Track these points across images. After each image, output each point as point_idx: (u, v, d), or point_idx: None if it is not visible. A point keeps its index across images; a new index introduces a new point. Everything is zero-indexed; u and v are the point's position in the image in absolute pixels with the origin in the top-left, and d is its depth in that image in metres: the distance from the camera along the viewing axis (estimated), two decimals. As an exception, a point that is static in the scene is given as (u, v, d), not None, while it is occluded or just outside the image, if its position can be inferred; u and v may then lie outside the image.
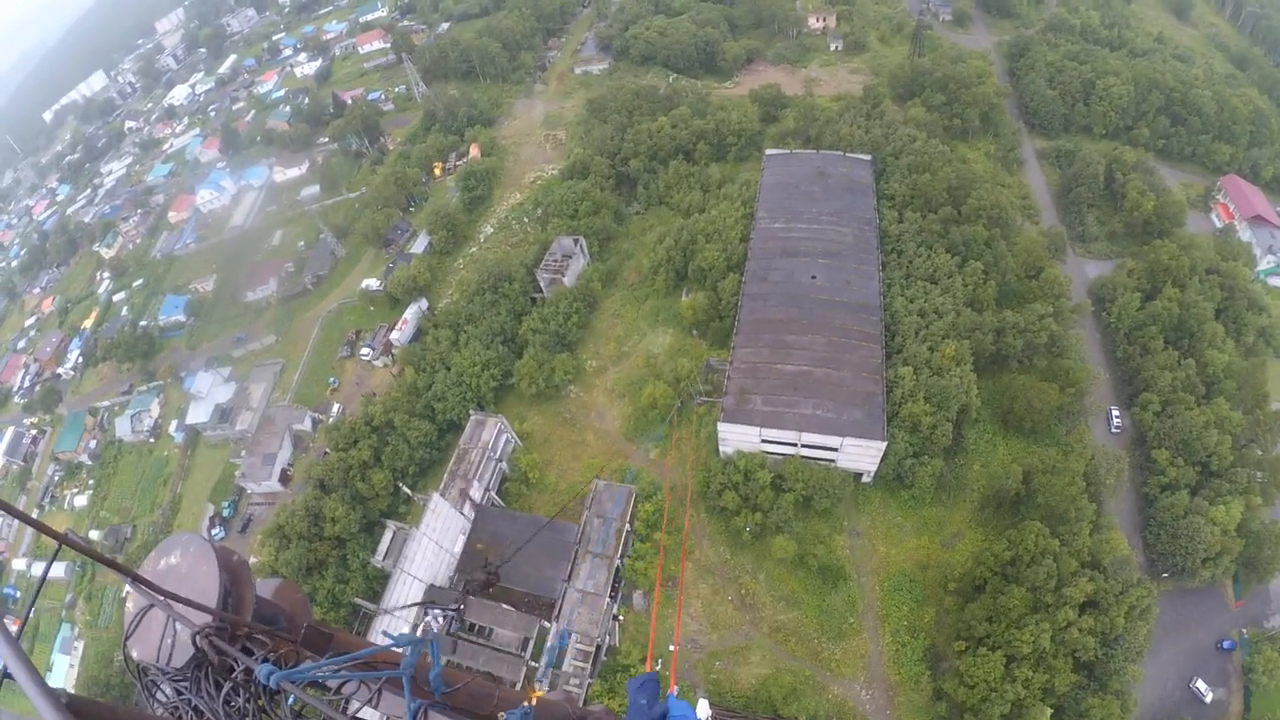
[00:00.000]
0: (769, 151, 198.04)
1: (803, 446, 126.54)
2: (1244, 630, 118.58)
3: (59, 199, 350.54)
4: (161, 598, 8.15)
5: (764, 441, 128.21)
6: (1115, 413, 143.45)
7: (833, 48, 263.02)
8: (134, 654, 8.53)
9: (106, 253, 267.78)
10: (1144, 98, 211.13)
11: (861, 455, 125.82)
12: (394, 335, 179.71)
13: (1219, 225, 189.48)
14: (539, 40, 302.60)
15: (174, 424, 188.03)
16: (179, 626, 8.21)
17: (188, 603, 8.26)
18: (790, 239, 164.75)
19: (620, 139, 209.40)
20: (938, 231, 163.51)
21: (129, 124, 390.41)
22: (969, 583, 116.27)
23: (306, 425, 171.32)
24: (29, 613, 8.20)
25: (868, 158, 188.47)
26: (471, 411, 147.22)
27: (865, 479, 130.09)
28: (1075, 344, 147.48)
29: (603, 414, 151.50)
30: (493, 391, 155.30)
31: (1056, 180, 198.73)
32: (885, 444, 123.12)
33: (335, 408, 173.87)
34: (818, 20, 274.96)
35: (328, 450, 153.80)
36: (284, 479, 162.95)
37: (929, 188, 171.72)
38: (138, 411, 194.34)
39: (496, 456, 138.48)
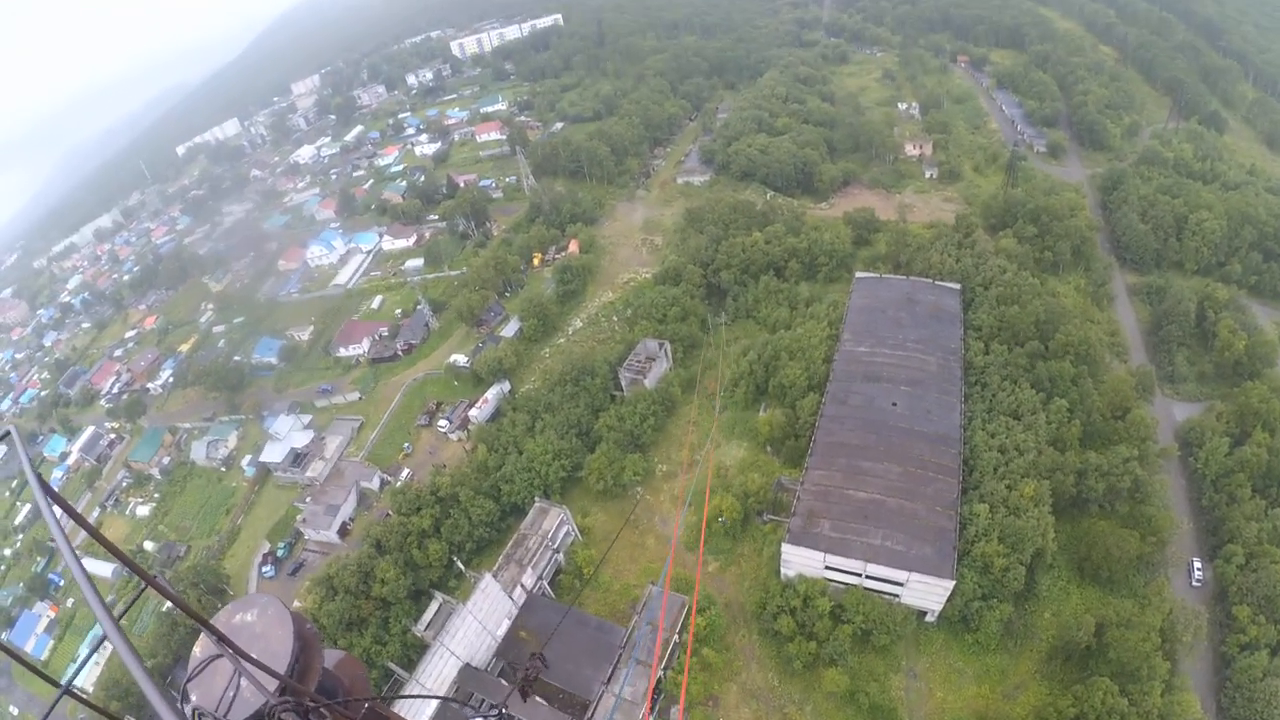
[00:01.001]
0: (859, 274, 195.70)
1: (867, 578, 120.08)
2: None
3: (179, 228, 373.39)
4: (236, 655, 8.25)
5: (828, 568, 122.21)
6: (1197, 564, 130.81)
7: (928, 175, 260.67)
8: (193, 697, 8.60)
9: (215, 286, 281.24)
10: (1236, 233, 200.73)
11: (927, 593, 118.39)
12: (473, 412, 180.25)
13: None
14: (645, 148, 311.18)
15: (247, 458, 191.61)
16: (244, 683, 8.31)
17: (259, 665, 8.39)
18: (874, 363, 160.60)
19: (714, 250, 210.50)
20: (1024, 366, 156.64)
21: (255, 172, 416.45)
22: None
23: (374, 484, 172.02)
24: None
25: (957, 286, 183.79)
26: (537, 498, 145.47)
27: (929, 618, 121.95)
28: (1160, 490, 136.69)
29: (666, 520, 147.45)
30: (560, 481, 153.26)
31: (1147, 317, 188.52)
32: (953, 583, 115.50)
33: (405, 472, 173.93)
34: (914, 147, 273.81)
35: (390, 512, 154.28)
36: (343, 532, 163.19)
37: (1017, 320, 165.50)
38: (215, 439, 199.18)
39: (555, 547, 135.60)
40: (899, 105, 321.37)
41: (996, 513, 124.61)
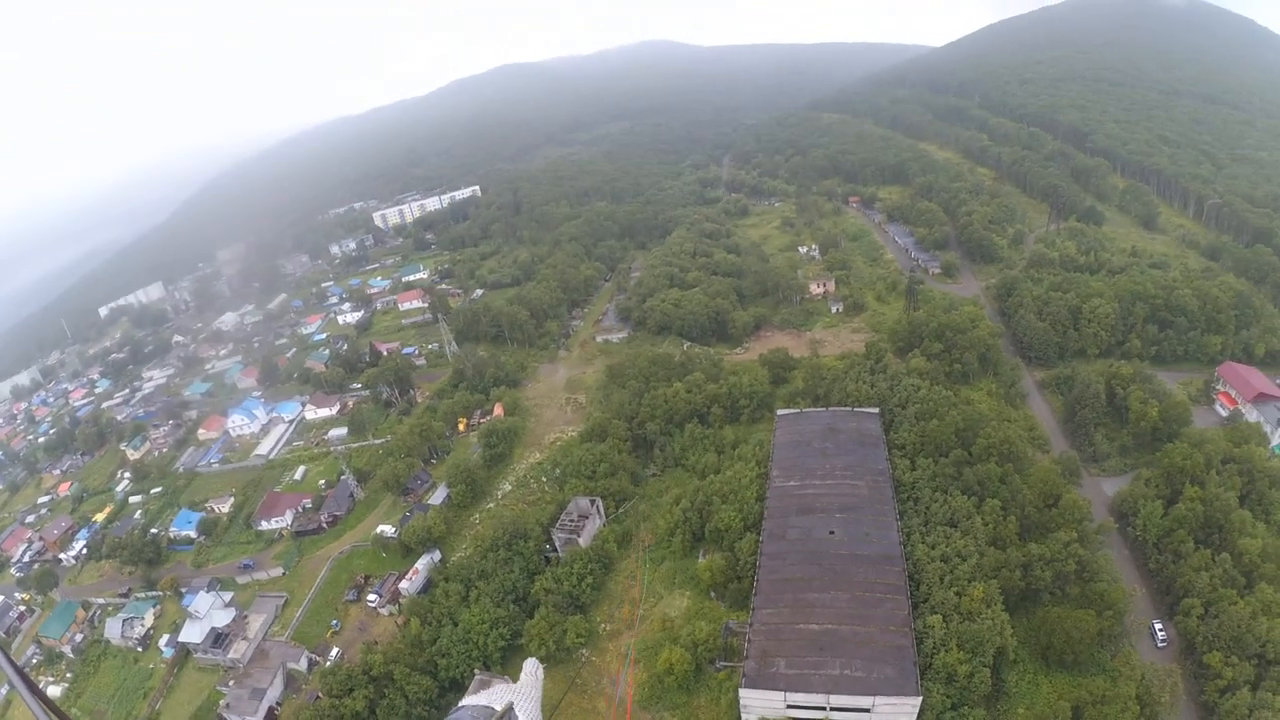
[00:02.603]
0: (780, 411, 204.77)
1: (832, 710, 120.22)
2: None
3: (97, 391, 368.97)
4: None
5: (789, 707, 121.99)
6: (1159, 626, 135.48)
7: (834, 310, 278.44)
8: None
9: (132, 454, 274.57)
10: (1129, 311, 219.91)
11: (896, 714, 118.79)
12: (403, 584, 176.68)
13: (1224, 414, 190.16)
14: (564, 309, 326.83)
15: (165, 638, 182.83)
16: None
17: None
18: (806, 495, 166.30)
19: (638, 403, 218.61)
20: (951, 474, 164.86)
21: (177, 337, 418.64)
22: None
23: (302, 665, 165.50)
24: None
25: (875, 410, 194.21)
26: (476, 670, 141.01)
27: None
28: (1105, 565, 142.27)
29: (616, 680, 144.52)
30: (500, 651, 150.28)
31: (1060, 406, 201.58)
32: (920, 699, 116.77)
33: (334, 651, 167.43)
34: (818, 286, 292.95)
35: (320, 694, 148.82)
36: (270, 718, 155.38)
37: (938, 433, 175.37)
38: (131, 617, 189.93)
39: None
40: (800, 249, 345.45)
41: (951, 621, 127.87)
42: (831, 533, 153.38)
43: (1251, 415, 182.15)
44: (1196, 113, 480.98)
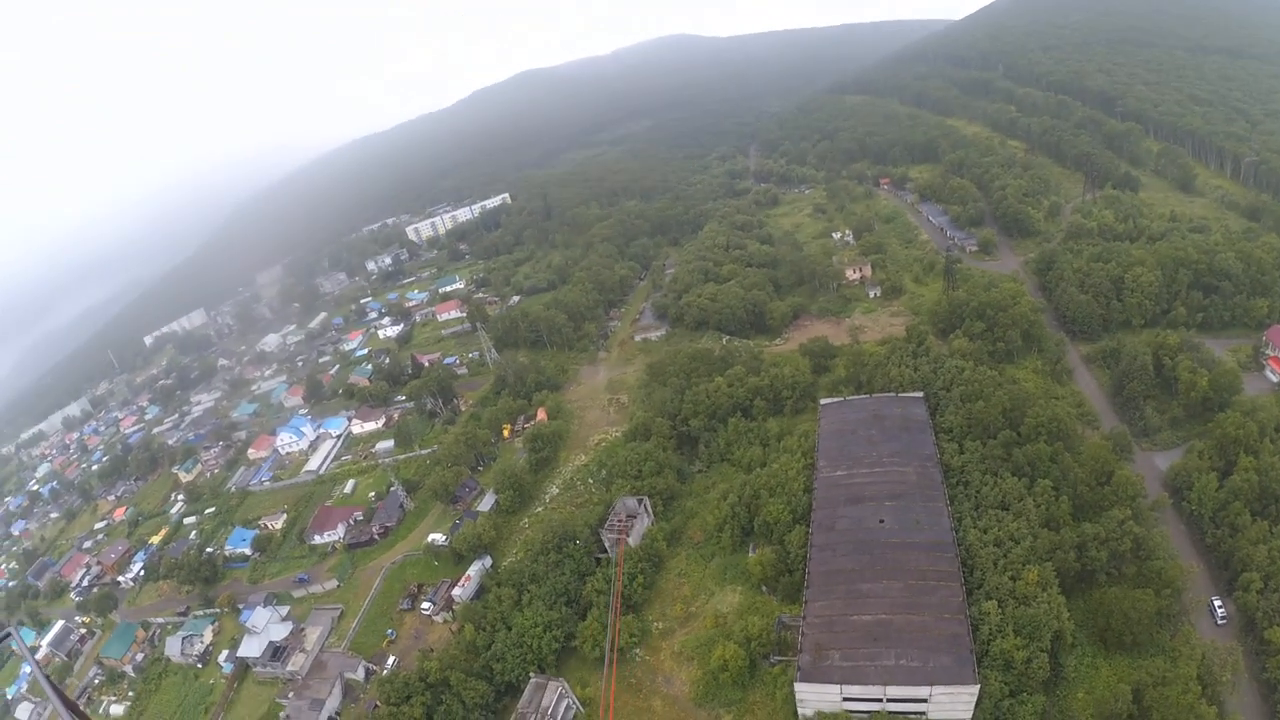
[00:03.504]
0: (823, 401, 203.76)
1: (889, 701, 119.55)
2: None
3: (147, 418, 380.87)
4: None
5: (846, 700, 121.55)
6: (1218, 603, 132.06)
7: (871, 295, 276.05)
8: None
9: (185, 476, 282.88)
10: (1173, 278, 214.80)
11: (954, 703, 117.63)
12: (456, 591, 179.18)
13: (1276, 379, 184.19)
14: (601, 311, 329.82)
15: (225, 654, 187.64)
16: None
17: None
18: (854, 485, 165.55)
19: (680, 400, 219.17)
20: (1000, 456, 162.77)
21: (222, 361, 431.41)
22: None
23: (359, 675, 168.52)
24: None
25: (920, 395, 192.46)
26: (531, 674, 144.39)
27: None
28: (1162, 542, 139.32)
29: (670, 679, 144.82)
30: (554, 654, 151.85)
31: (1107, 381, 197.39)
32: (978, 687, 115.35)
33: (391, 660, 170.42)
34: (854, 272, 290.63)
35: (378, 703, 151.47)
36: None
37: (984, 414, 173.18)
38: (190, 635, 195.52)
39: None
40: (833, 235, 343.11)
41: (1006, 606, 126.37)
42: (881, 521, 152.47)
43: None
44: (1225, 69, 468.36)
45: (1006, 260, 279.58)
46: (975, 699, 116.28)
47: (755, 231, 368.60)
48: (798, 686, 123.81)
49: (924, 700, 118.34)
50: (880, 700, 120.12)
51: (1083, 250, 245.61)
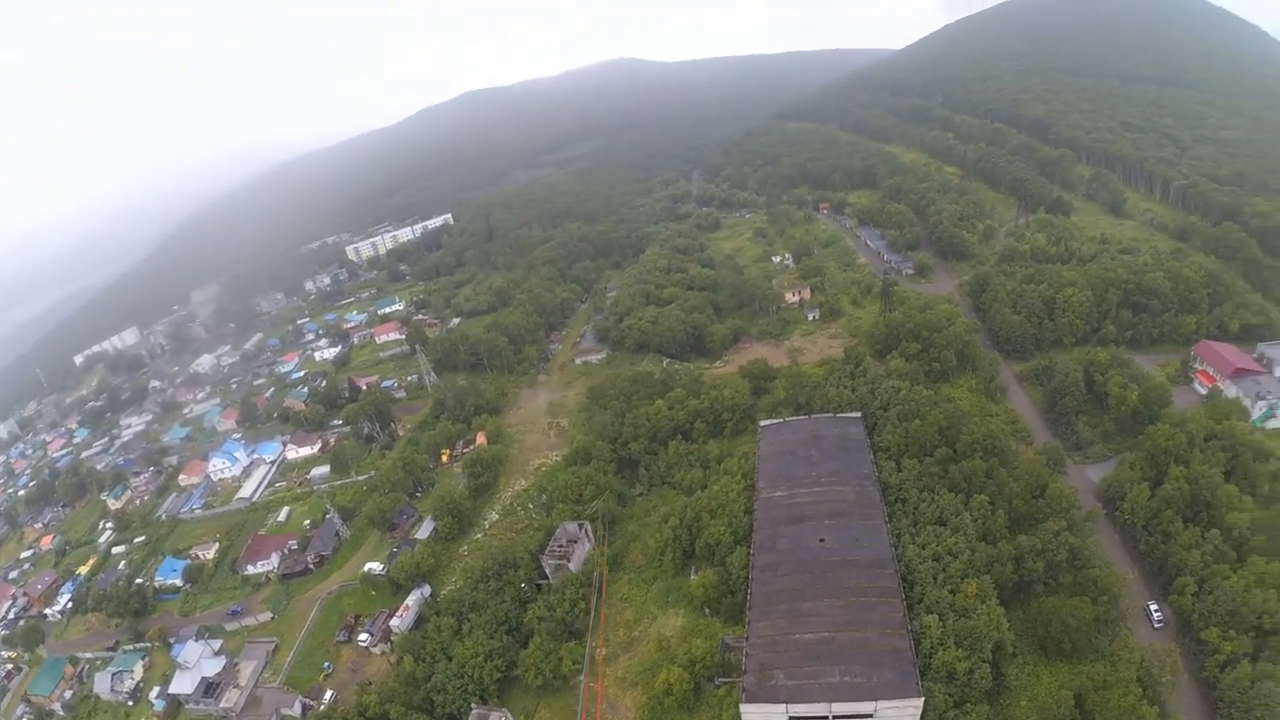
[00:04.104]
0: (763, 422, 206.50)
1: (835, 718, 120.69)
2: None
3: (76, 441, 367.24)
4: None
5: (792, 718, 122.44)
6: (1154, 607, 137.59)
7: (810, 318, 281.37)
8: None
9: (113, 503, 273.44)
10: (1103, 298, 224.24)
11: (899, 716, 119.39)
12: (394, 621, 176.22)
13: (1204, 391, 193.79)
14: (542, 334, 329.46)
15: (156, 690, 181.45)
16: None
17: None
18: (794, 505, 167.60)
19: (620, 424, 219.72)
20: (937, 473, 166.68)
21: (154, 383, 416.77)
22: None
23: (296, 710, 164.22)
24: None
25: (858, 415, 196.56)
26: (474, 705, 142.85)
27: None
28: (1096, 551, 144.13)
29: (615, 705, 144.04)
30: (496, 684, 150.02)
31: (1040, 398, 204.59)
32: (922, 700, 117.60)
33: (328, 695, 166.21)
34: (794, 295, 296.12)
35: None
36: None
37: (921, 433, 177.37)
38: (120, 670, 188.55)
39: None
40: (773, 258, 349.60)
41: (947, 619, 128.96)
42: (822, 540, 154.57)
43: (1231, 391, 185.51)
44: (1156, 97, 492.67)
45: (942, 283, 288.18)
46: (920, 711, 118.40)
47: (696, 255, 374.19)
48: (743, 708, 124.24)
49: (870, 715, 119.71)
50: (826, 717, 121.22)
51: (1016, 272, 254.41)
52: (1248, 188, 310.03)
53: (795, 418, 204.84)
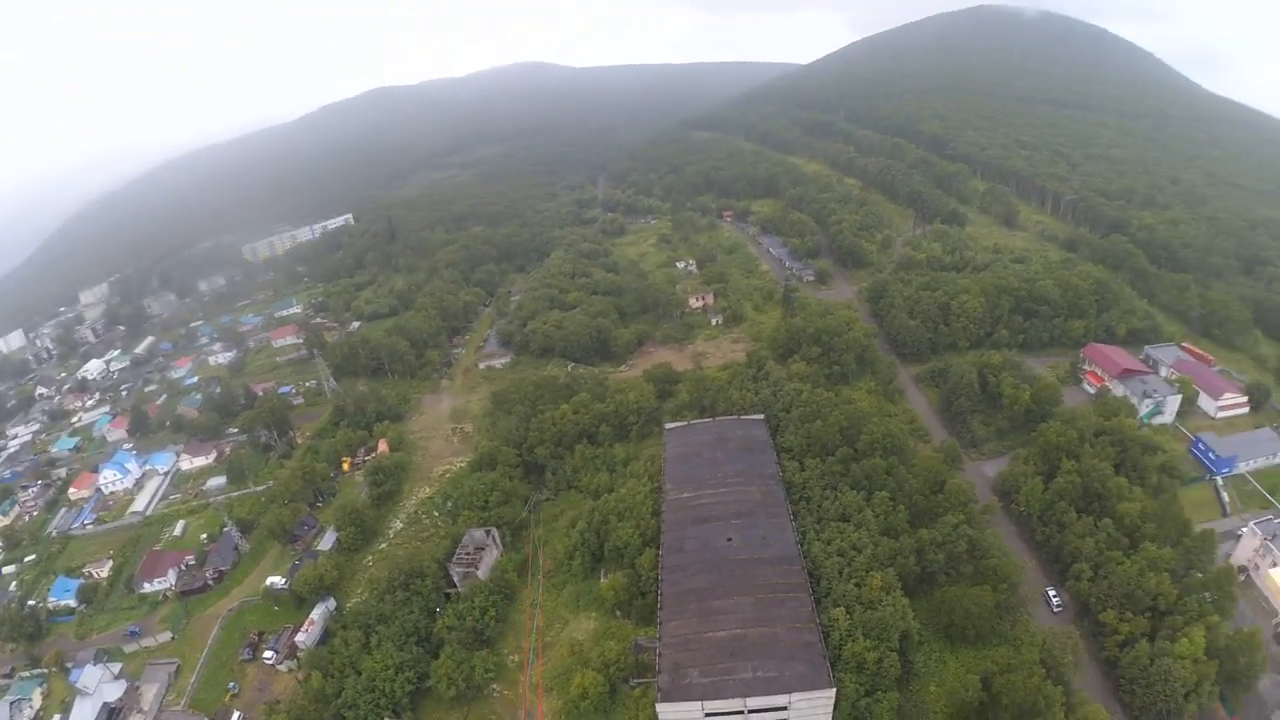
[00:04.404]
0: (668, 425, 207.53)
1: (750, 712, 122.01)
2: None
3: None
4: None
5: (708, 715, 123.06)
6: (1052, 593, 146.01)
7: (714, 322, 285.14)
8: None
9: (1, 520, 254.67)
10: (995, 304, 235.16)
11: (813, 708, 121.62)
12: (299, 637, 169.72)
13: (1093, 391, 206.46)
14: (444, 338, 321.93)
15: (56, 718, 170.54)
16: None
17: None
18: (700, 506, 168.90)
19: (525, 429, 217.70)
20: (839, 472, 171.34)
21: (40, 390, 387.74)
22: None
23: None
24: None
25: (761, 417, 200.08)
26: (386, 719, 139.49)
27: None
28: (995, 542, 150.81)
29: (531, 712, 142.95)
30: (409, 696, 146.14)
31: (937, 398, 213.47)
32: (834, 690, 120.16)
33: (235, 716, 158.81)
34: (697, 300, 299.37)
35: None
36: None
37: (823, 433, 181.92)
38: (17, 699, 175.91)
39: None
40: (677, 264, 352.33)
41: (854, 612, 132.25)
42: (729, 540, 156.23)
43: (1118, 390, 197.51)
44: (1052, 117, 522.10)
45: (842, 289, 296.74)
46: (833, 701, 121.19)
47: (601, 260, 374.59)
48: (659, 707, 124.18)
49: (784, 708, 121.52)
50: (742, 712, 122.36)
51: (912, 280, 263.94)
52: (1135, 202, 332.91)
53: (700, 420, 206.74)
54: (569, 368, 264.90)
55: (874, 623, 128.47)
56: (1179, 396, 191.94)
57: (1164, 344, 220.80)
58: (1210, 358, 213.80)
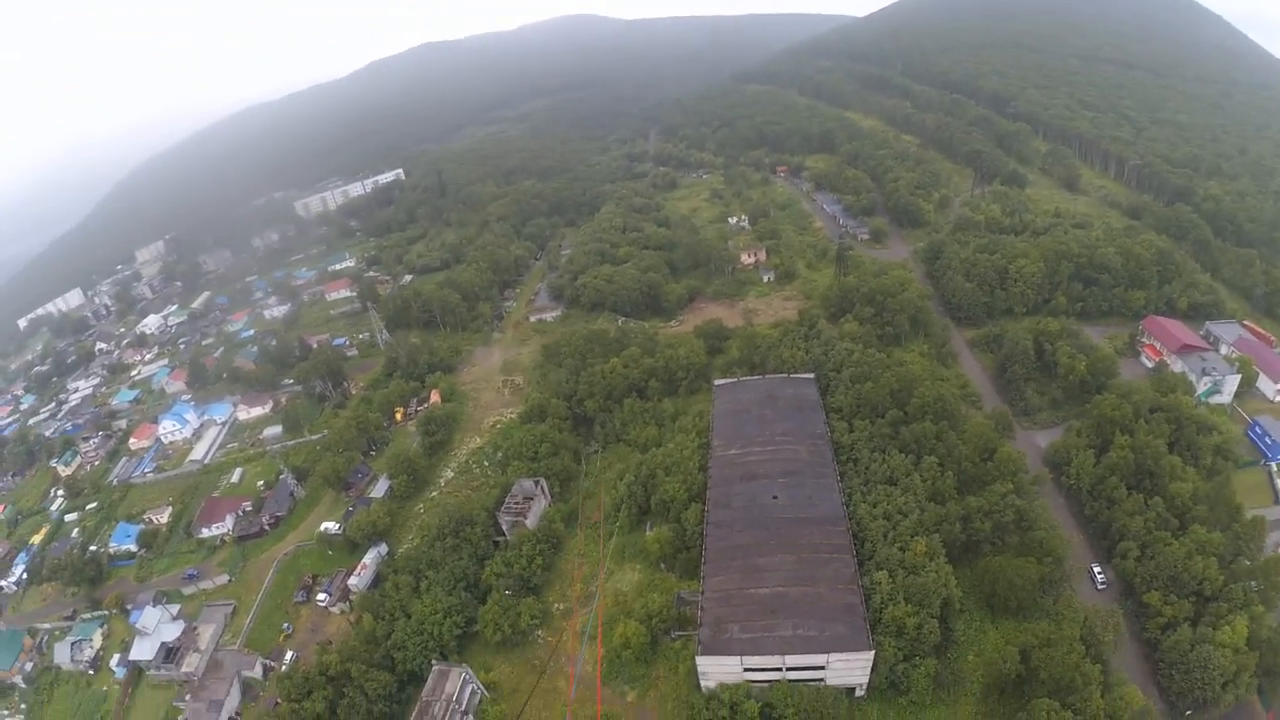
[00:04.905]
0: (717, 382, 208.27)
1: (788, 670, 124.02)
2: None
3: (22, 408, 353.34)
4: None
5: (747, 670, 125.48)
6: (1097, 569, 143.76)
7: (765, 279, 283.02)
8: None
9: (64, 470, 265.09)
10: (1054, 270, 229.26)
11: (851, 669, 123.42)
12: (352, 581, 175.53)
13: (1150, 365, 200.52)
14: (496, 291, 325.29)
15: (116, 657, 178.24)
16: None
17: None
18: (748, 463, 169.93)
19: (575, 381, 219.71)
20: (888, 434, 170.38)
21: (100, 345, 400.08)
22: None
23: (257, 672, 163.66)
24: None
25: (811, 376, 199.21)
26: (434, 661, 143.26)
27: (859, 692, 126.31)
28: (1042, 514, 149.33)
29: (574, 658, 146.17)
30: (456, 640, 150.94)
31: (991, 364, 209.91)
32: (873, 653, 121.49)
33: (288, 655, 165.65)
34: (749, 256, 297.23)
35: (279, 701, 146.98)
36: None
37: (873, 395, 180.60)
38: (79, 640, 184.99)
39: (462, 709, 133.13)
40: (729, 220, 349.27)
41: (896, 576, 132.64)
42: (775, 498, 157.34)
43: (1176, 366, 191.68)
44: (1116, 78, 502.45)
45: (896, 249, 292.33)
46: (871, 664, 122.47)
47: (652, 214, 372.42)
48: (699, 660, 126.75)
49: (822, 667, 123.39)
50: (780, 669, 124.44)
51: (970, 241, 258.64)
52: (1201, 171, 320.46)
53: (750, 377, 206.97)
54: (619, 322, 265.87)
55: (916, 588, 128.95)
56: (1238, 376, 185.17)
57: (1226, 320, 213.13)
58: (1273, 338, 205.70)
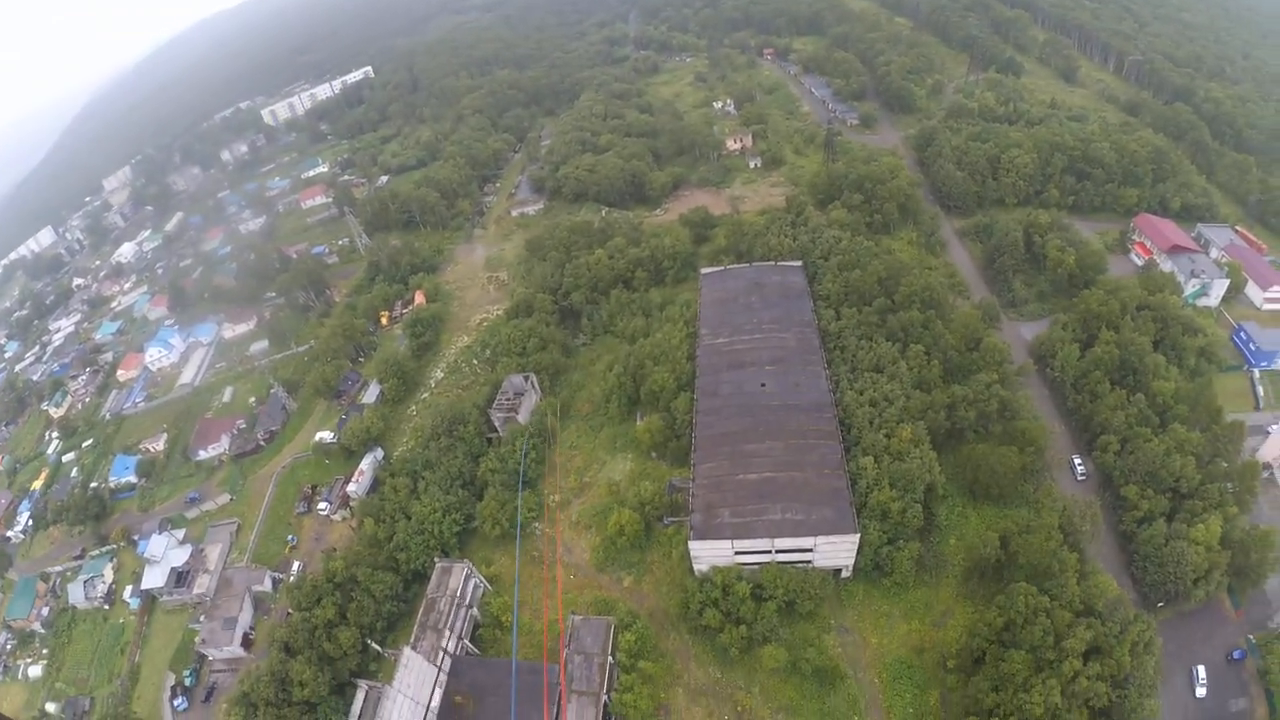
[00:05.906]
0: (704, 270, 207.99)
1: (777, 552, 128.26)
2: (1250, 637, 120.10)
3: (7, 355, 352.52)
4: None
5: (737, 554, 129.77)
6: (1078, 461, 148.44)
7: (752, 165, 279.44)
8: None
9: (55, 412, 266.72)
10: (1048, 161, 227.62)
11: (837, 551, 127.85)
12: (351, 488, 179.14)
13: (1140, 263, 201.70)
14: (475, 187, 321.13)
15: (129, 589, 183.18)
16: None
17: None
18: (735, 351, 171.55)
19: (560, 274, 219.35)
20: (875, 323, 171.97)
21: (77, 281, 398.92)
22: (968, 657, 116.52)
23: (267, 585, 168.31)
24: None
25: (798, 263, 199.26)
26: (436, 559, 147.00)
27: (845, 574, 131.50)
28: (1026, 404, 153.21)
29: (571, 548, 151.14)
30: (456, 537, 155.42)
31: (980, 254, 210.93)
32: (858, 536, 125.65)
33: (295, 566, 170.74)
34: (735, 142, 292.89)
35: (290, 611, 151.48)
36: (247, 643, 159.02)
37: (860, 283, 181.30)
38: (91, 577, 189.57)
39: (466, 603, 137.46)
40: (714, 104, 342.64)
41: (882, 461, 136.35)
42: (763, 385, 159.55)
43: (1166, 265, 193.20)
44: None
45: (887, 135, 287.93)
46: (856, 546, 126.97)
47: (634, 100, 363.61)
48: (692, 544, 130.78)
49: (810, 550, 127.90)
50: (769, 552, 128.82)
51: (962, 129, 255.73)
52: (1203, 72, 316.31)
53: (736, 265, 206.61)
54: (603, 212, 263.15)
55: (900, 474, 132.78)
56: (1227, 281, 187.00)
57: (1218, 224, 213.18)
58: (1264, 246, 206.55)
